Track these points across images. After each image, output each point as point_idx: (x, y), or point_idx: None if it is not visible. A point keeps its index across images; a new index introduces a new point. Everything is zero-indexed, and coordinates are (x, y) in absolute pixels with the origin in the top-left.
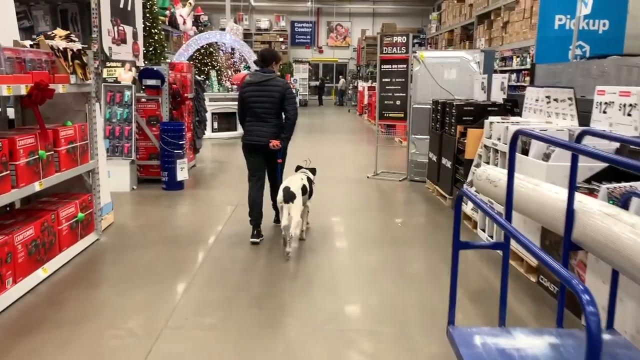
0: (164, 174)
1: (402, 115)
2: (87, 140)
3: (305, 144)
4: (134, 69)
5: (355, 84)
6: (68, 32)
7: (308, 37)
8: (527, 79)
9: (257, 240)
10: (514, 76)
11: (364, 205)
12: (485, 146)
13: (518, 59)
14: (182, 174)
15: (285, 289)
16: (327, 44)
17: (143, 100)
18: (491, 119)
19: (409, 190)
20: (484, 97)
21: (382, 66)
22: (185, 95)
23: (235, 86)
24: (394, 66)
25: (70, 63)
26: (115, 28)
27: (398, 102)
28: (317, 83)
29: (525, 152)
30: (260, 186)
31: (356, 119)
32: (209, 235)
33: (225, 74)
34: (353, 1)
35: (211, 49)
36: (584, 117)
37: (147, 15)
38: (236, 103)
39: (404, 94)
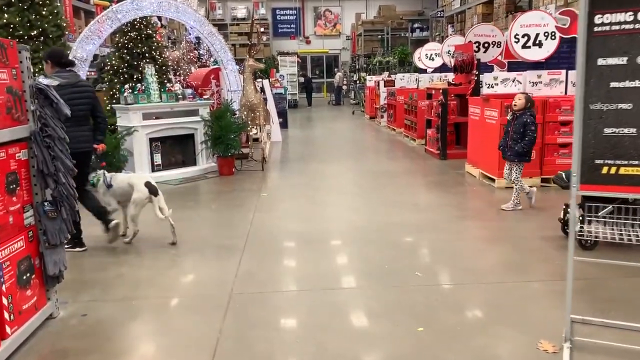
0: None
1: None
2: None
3: (298, 198)
4: None
5: (356, 78)
6: None
7: (292, 25)
8: None
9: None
10: None
11: None
12: None
13: None
14: None
15: None
16: (315, 32)
17: None
18: None
19: None
20: None
21: (597, 21)
22: None
23: (191, 91)
24: None
25: None
26: None
27: None
28: (302, 80)
29: None
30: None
31: (369, 125)
32: None
33: (180, 72)
34: None
35: (149, 31)
36: None
37: None
38: (194, 119)
39: None
